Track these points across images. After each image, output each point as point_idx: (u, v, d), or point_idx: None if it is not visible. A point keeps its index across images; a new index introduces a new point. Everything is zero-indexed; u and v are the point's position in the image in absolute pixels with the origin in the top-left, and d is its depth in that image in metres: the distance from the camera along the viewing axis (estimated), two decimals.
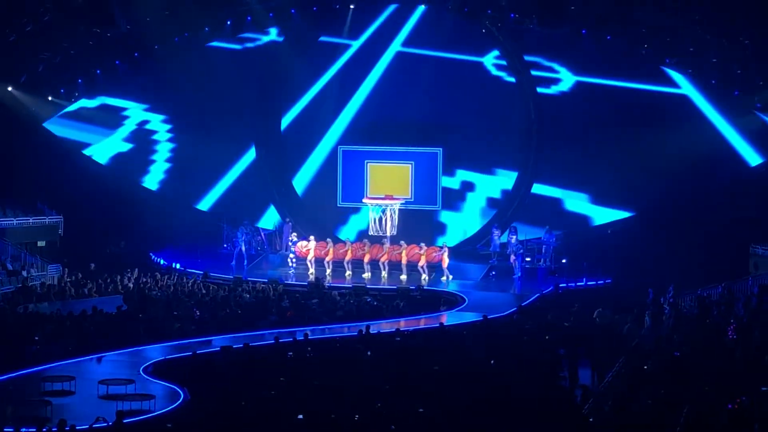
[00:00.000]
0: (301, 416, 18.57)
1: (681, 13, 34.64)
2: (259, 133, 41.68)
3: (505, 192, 39.80)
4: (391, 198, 38.11)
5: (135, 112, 41.95)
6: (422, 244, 36.72)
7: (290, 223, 38.61)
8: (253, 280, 34.61)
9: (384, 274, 36.28)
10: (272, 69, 41.30)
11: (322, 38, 41.18)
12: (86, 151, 41.20)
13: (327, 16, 40.58)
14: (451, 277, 35.73)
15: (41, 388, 21.89)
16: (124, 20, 35.38)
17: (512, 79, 39.57)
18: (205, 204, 41.59)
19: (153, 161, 41.63)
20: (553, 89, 39.38)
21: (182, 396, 21.21)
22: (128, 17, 35.56)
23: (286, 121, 41.62)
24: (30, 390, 21.84)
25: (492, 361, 22.99)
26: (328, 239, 37.41)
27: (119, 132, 41.85)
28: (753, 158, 37.06)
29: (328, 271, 36.68)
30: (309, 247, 37.29)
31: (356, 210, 39.89)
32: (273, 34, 41.46)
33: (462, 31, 39.56)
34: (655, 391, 19.02)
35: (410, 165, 39.69)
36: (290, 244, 38.03)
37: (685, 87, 38.06)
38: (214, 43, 41.17)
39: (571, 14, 35.80)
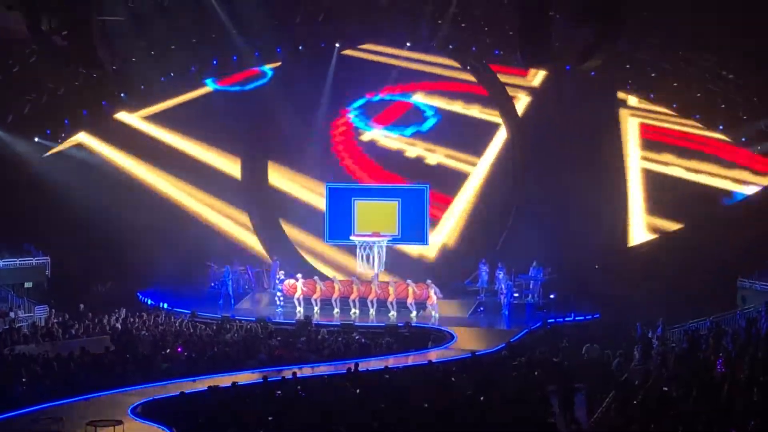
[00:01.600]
0: None
1: (663, 46, 34.87)
2: (246, 171, 41.64)
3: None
4: (378, 235, 38.15)
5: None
6: (409, 281, 36.74)
7: (278, 261, 38.55)
8: (241, 318, 34.55)
9: (372, 311, 36.23)
10: (261, 109, 41.44)
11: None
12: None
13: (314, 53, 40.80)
14: (437, 315, 35.68)
15: (29, 429, 21.76)
16: (110, 61, 35.49)
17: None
18: (191, 244, 41.44)
19: (138, 200, 41.37)
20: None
21: None
22: (114, 58, 35.67)
23: (273, 158, 41.63)
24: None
25: (481, 398, 22.92)
26: (316, 277, 37.40)
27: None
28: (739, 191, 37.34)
29: (316, 309, 36.63)
30: (296, 285, 37.24)
31: (344, 247, 39.80)
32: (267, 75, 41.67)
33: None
34: (645, 426, 18.97)
35: (397, 202, 39.75)
36: (277, 282, 37.97)
37: None
38: (211, 85, 41.41)
39: (555, 50, 36.04)
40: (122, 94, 40.07)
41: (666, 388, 22.77)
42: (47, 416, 22.54)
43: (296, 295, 37.12)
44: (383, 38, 40.41)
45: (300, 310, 36.57)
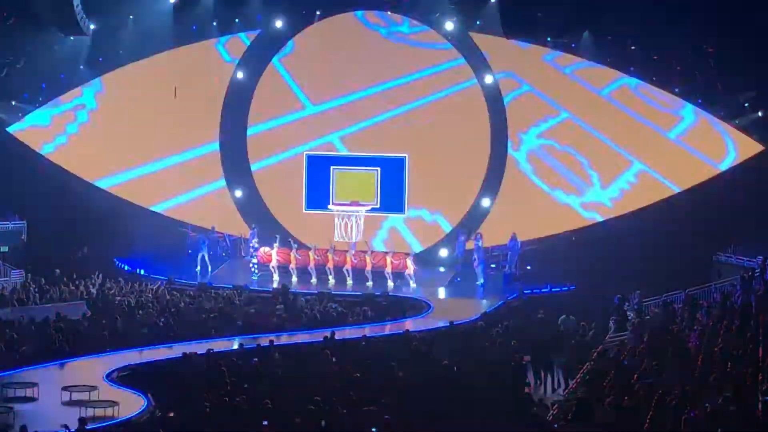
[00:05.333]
0: (266, 423, 18.55)
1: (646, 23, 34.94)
2: (224, 137, 41.42)
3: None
4: (357, 204, 38.12)
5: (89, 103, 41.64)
6: (387, 250, 36.76)
7: (255, 229, 38.43)
8: (218, 286, 34.53)
9: (349, 280, 36.25)
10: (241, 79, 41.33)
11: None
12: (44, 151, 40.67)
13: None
14: (414, 284, 35.76)
15: (3, 394, 21.76)
16: (89, 24, 35.35)
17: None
18: (165, 207, 41.22)
19: (114, 162, 41.06)
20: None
21: (146, 402, 21.16)
22: (93, 21, 35.54)
23: (252, 128, 41.42)
24: None
25: (456, 368, 23.02)
26: (293, 244, 37.29)
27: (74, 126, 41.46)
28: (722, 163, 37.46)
29: (294, 277, 36.59)
30: (271, 253, 37.20)
31: (321, 216, 39.64)
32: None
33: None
34: (619, 398, 19.09)
35: (376, 171, 39.71)
36: (251, 249, 37.91)
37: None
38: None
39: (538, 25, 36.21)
40: (100, 58, 39.81)
41: (641, 360, 22.93)
42: (23, 381, 22.55)
43: (271, 264, 37.08)
44: None
45: (276, 278, 36.55)
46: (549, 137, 39.04)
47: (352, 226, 37.62)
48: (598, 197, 38.77)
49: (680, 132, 37.98)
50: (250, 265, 37.62)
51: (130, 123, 40.08)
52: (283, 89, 40.97)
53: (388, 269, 36.03)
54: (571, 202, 38.83)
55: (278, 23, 40.20)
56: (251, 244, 37.91)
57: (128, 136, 39.98)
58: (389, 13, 40.20)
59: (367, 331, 28.42)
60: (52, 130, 40.67)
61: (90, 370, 24.07)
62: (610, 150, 38.36)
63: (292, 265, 36.83)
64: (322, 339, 26.15)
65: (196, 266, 37.77)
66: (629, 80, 38.13)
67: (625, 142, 38.20)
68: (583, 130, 38.62)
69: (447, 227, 39.59)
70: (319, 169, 40.14)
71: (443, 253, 39.02)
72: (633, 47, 37.28)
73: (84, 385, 21.99)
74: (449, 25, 39.12)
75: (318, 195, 39.79)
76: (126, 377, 23.50)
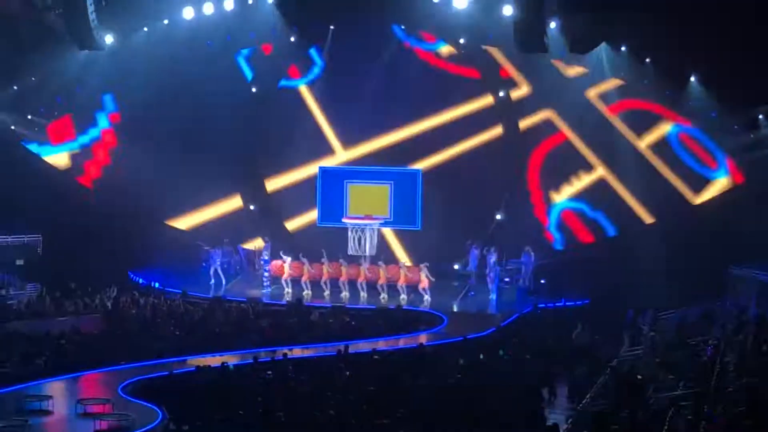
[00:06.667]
0: None
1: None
2: (240, 153, 41.51)
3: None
4: (371, 218, 38.16)
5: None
6: (401, 264, 36.74)
7: (269, 243, 38.46)
8: (232, 299, 34.59)
9: (363, 294, 36.27)
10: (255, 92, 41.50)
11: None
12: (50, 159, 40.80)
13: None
14: (429, 297, 35.75)
15: (19, 406, 21.82)
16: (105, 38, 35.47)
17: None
18: (183, 223, 41.42)
19: (130, 179, 41.18)
20: None
21: (159, 415, 21.19)
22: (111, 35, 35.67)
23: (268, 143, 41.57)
24: (8, 409, 21.75)
25: (469, 382, 23.00)
26: (304, 258, 37.28)
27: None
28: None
29: (306, 290, 36.62)
30: (284, 266, 37.25)
31: (335, 230, 39.65)
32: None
33: None
34: (633, 412, 19.07)
35: (389, 185, 39.71)
36: (262, 262, 37.97)
37: None
38: None
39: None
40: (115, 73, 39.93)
41: (656, 374, 22.91)
42: (38, 394, 22.62)
43: (284, 277, 37.12)
44: None
45: (288, 291, 36.60)
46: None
47: (365, 240, 37.65)
48: None
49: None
50: (262, 278, 37.69)
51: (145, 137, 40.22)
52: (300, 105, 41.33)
53: (402, 282, 36.05)
54: None
55: (292, 38, 40.28)
56: (263, 257, 37.98)
57: (144, 151, 40.08)
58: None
59: (381, 344, 28.42)
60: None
61: (105, 383, 24.15)
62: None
63: (305, 278, 36.86)
64: (335, 352, 26.17)
65: (210, 279, 37.86)
66: None
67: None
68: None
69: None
70: (332, 182, 40.18)
71: (457, 266, 38.98)
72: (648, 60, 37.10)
73: (99, 398, 22.05)
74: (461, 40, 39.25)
75: (331, 209, 39.83)
76: (140, 390, 23.53)
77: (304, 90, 41.95)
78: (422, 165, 39.89)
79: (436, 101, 40.01)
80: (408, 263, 37.92)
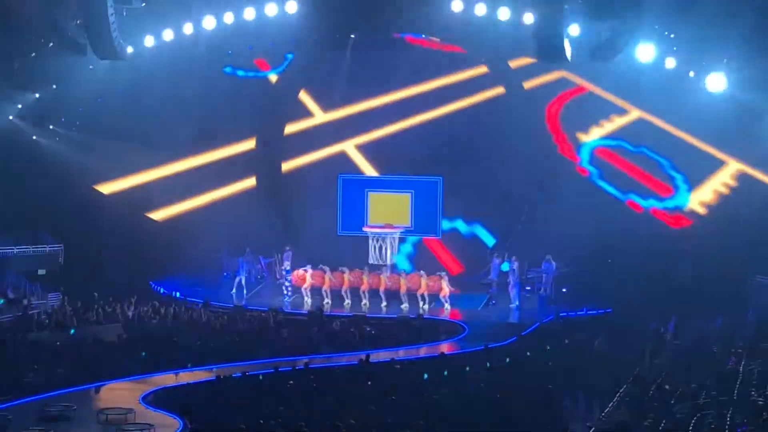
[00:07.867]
0: None
1: None
2: (260, 161, 41.60)
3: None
4: (391, 227, 38.15)
5: None
6: (422, 273, 36.76)
7: (290, 252, 38.48)
8: (253, 308, 34.61)
9: (383, 303, 36.24)
10: (273, 99, 41.50)
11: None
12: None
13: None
14: (450, 306, 35.70)
15: (41, 416, 21.86)
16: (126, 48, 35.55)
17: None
18: (200, 230, 41.35)
19: (151, 190, 41.28)
20: None
21: (181, 425, 21.19)
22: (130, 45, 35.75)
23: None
24: (29, 418, 21.78)
25: (490, 391, 22.92)
26: (325, 268, 37.25)
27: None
28: None
29: (327, 300, 36.62)
30: (305, 275, 37.24)
31: (355, 238, 39.65)
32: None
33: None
34: (656, 422, 18.98)
35: (410, 194, 39.70)
36: (284, 272, 37.99)
37: None
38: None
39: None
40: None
41: (678, 383, 22.80)
42: (59, 404, 22.65)
43: (305, 286, 37.11)
44: None
45: (308, 301, 36.60)
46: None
47: (386, 249, 37.65)
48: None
49: None
50: (283, 287, 37.70)
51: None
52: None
53: (423, 291, 35.99)
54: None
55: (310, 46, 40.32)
56: (284, 267, 38.00)
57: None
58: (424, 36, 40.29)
59: (402, 353, 28.37)
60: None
61: (126, 393, 24.16)
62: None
63: (326, 287, 36.85)
64: (357, 362, 26.14)
65: (232, 289, 37.89)
66: None
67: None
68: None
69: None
70: (353, 191, 40.19)
71: (478, 275, 38.92)
72: None
73: (120, 408, 22.07)
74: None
75: (352, 217, 39.83)
76: (161, 400, 23.54)
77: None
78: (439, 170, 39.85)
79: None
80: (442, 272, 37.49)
